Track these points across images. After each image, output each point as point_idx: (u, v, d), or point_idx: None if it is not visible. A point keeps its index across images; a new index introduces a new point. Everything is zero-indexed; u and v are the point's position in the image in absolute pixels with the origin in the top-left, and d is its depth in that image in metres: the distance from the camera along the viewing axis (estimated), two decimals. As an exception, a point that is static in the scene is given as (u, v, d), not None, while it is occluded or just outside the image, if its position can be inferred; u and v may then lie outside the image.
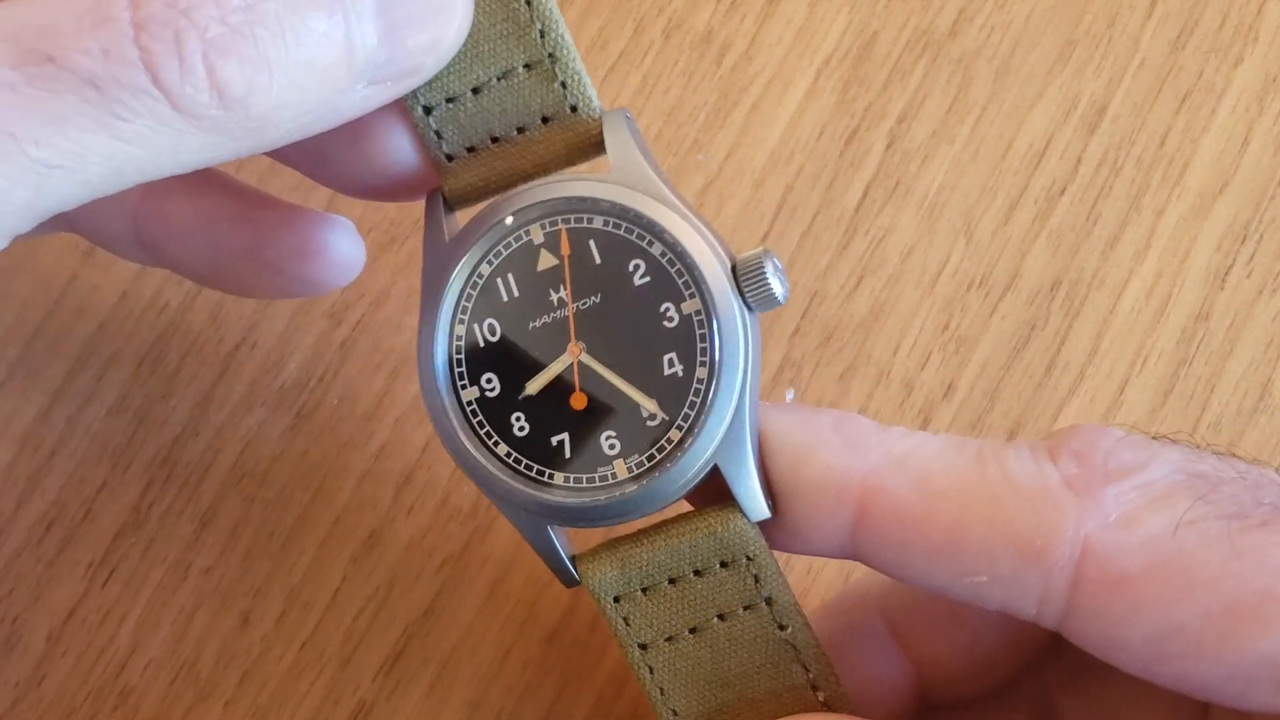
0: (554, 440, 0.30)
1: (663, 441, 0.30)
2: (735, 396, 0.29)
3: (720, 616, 0.31)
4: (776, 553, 0.31)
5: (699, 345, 0.30)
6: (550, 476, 0.30)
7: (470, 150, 0.31)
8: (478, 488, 0.31)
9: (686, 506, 0.31)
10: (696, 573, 0.30)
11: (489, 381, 0.30)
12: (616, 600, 0.31)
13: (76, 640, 0.39)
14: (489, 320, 0.30)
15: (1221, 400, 0.40)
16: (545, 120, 0.30)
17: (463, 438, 0.30)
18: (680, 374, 0.30)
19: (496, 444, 0.30)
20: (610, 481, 0.30)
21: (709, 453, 0.30)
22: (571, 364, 0.30)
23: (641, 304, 0.30)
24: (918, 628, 0.33)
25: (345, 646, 0.39)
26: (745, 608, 0.30)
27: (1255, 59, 0.42)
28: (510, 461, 0.30)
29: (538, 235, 0.30)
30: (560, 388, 0.30)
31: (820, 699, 0.31)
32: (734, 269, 0.30)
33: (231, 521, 0.39)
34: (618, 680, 0.38)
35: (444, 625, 0.39)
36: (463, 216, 0.32)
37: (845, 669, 0.31)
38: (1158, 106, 0.41)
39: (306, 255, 0.33)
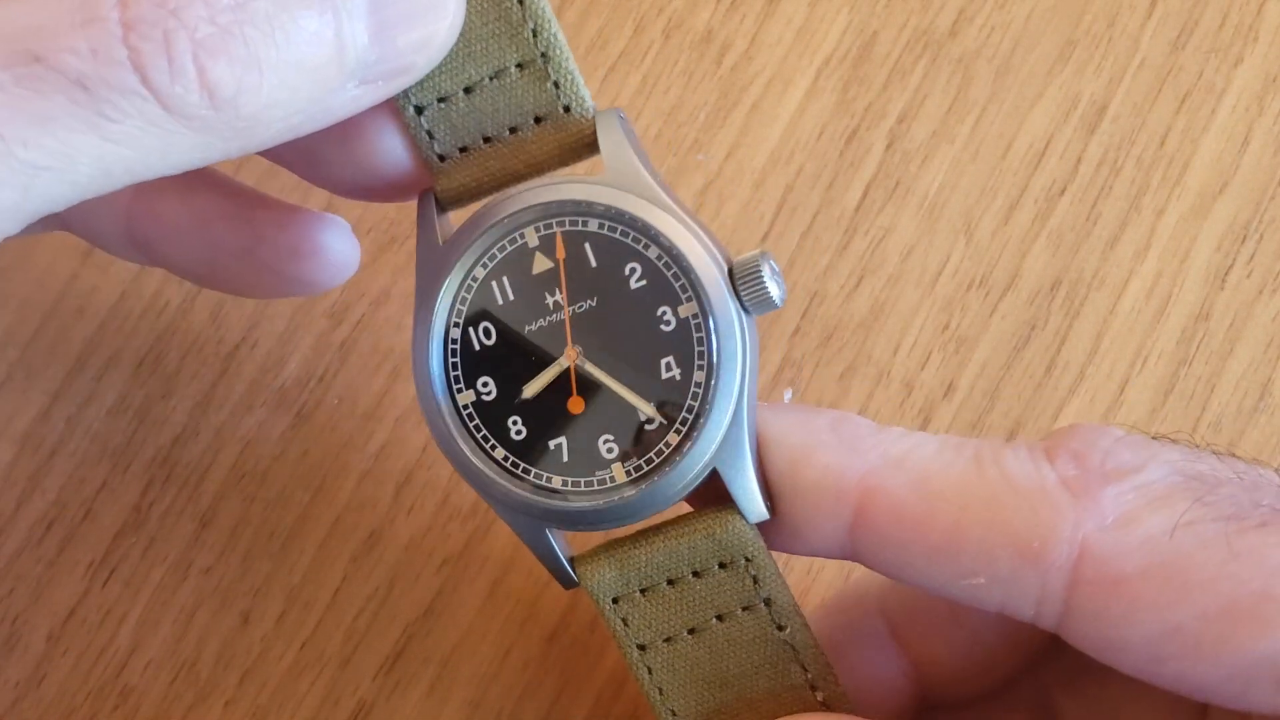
0: (551, 444, 0.30)
1: (660, 445, 0.30)
2: (733, 400, 0.29)
3: (719, 617, 0.31)
4: (775, 553, 0.31)
5: (696, 349, 0.30)
6: (548, 480, 0.30)
7: (462, 150, 0.31)
8: (476, 493, 0.31)
9: (685, 507, 0.31)
10: (695, 574, 0.30)
11: (485, 385, 0.30)
12: (615, 601, 0.31)
13: (77, 640, 0.39)
14: (484, 324, 0.30)
15: (1221, 400, 0.40)
16: (538, 120, 0.30)
17: (459, 441, 0.30)
18: (678, 377, 0.30)
19: (494, 448, 0.30)
20: (609, 485, 0.30)
21: (708, 456, 0.29)
22: (568, 368, 0.30)
23: (638, 307, 0.30)
24: (917, 627, 0.33)
25: (345, 646, 0.39)
26: (744, 608, 0.30)
27: (1255, 59, 0.42)
28: (508, 465, 0.30)
29: (532, 238, 0.30)
30: (557, 391, 0.30)
31: (819, 699, 0.31)
32: (730, 272, 0.30)
33: (231, 521, 0.39)
34: (617, 680, 0.38)
35: (444, 625, 0.39)
36: (455, 217, 0.32)
37: (844, 669, 0.31)
38: (1158, 106, 0.41)
39: (301, 255, 0.33)
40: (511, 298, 0.30)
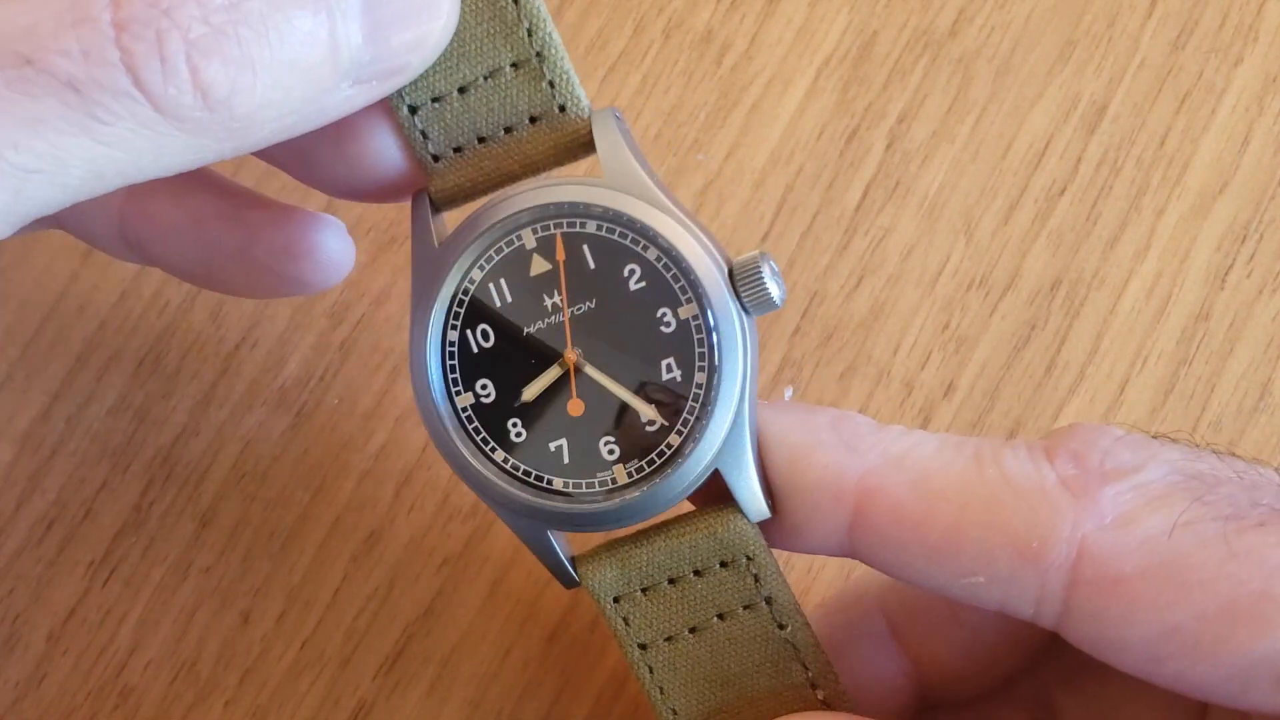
0: (552, 446, 0.30)
1: (662, 447, 0.30)
2: (735, 400, 0.29)
3: (720, 616, 0.31)
4: (775, 551, 0.31)
5: (697, 350, 0.30)
6: (549, 482, 0.30)
7: (457, 151, 0.30)
8: (476, 495, 0.31)
9: (685, 505, 0.31)
10: (696, 573, 0.30)
11: (484, 388, 0.30)
12: (616, 601, 0.31)
13: (77, 640, 0.39)
14: (483, 326, 0.30)
15: (1221, 400, 0.40)
16: (533, 120, 0.30)
17: (458, 444, 0.30)
18: (679, 379, 0.30)
19: (493, 450, 0.30)
20: (610, 487, 0.30)
21: (709, 457, 0.29)
22: (568, 370, 0.30)
23: (638, 309, 0.30)
24: (917, 626, 0.33)
25: (345, 646, 0.39)
26: (745, 607, 0.30)
27: (1255, 59, 0.42)
28: (508, 468, 0.30)
29: (530, 240, 0.30)
30: (557, 394, 0.30)
31: (819, 697, 0.31)
32: (730, 272, 0.30)
33: (232, 521, 0.39)
34: (618, 680, 0.38)
35: (444, 625, 0.39)
36: (450, 218, 0.32)
37: (845, 668, 0.31)
38: (1158, 106, 0.41)
39: (295, 255, 0.33)
40: (510, 300, 0.30)
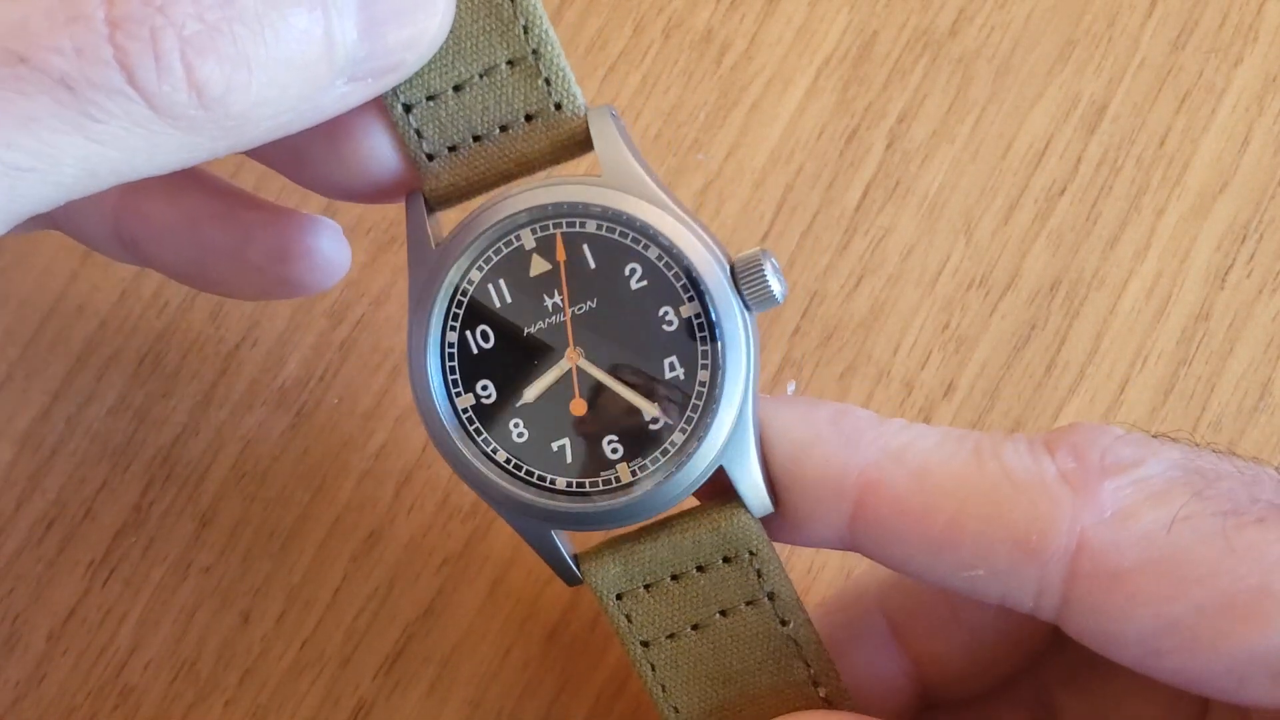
0: (554, 446, 0.30)
1: (666, 444, 0.30)
2: (739, 397, 0.29)
3: (722, 612, 0.31)
4: (776, 546, 0.31)
5: (700, 348, 0.30)
6: (552, 482, 0.30)
7: (451, 149, 0.30)
8: (476, 494, 0.31)
9: (688, 501, 0.31)
10: (699, 568, 0.30)
11: (485, 389, 0.30)
12: (619, 598, 0.31)
13: (77, 639, 0.39)
14: (482, 326, 0.30)
15: (1221, 400, 0.40)
16: (529, 118, 0.30)
17: (460, 445, 0.30)
18: (682, 377, 0.30)
19: (495, 451, 0.30)
20: (614, 485, 0.30)
21: (714, 454, 0.29)
22: (570, 369, 0.30)
23: (639, 308, 0.30)
24: (918, 626, 0.33)
25: (345, 646, 0.39)
26: (748, 603, 0.30)
27: (1255, 59, 0.42)
28: (510, 468, 0.30)
29: (529, 240, 0.30)
30: (559, 393, 0.30)
31: (821, 695, 0.31)
32: (732, 269, 0.30)
33: (231, 521, 0.39)
34: (618, 679, 0.38)
35: (444, 624, 0.39)
36: (445, 218, 0.32)
37: (845, 667, 0.31)
38: (1158, 106, 0.41)
39: (290, 257, 0.33)
40: (509, 300, 0.30)
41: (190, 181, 0.33)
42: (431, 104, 0.30)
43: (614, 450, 0.30)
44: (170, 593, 0.39)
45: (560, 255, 0.30)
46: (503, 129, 0.30)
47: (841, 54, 0.42)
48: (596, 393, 0.30)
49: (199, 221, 0.33)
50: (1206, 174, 0.41)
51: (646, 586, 0.31)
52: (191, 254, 0.33)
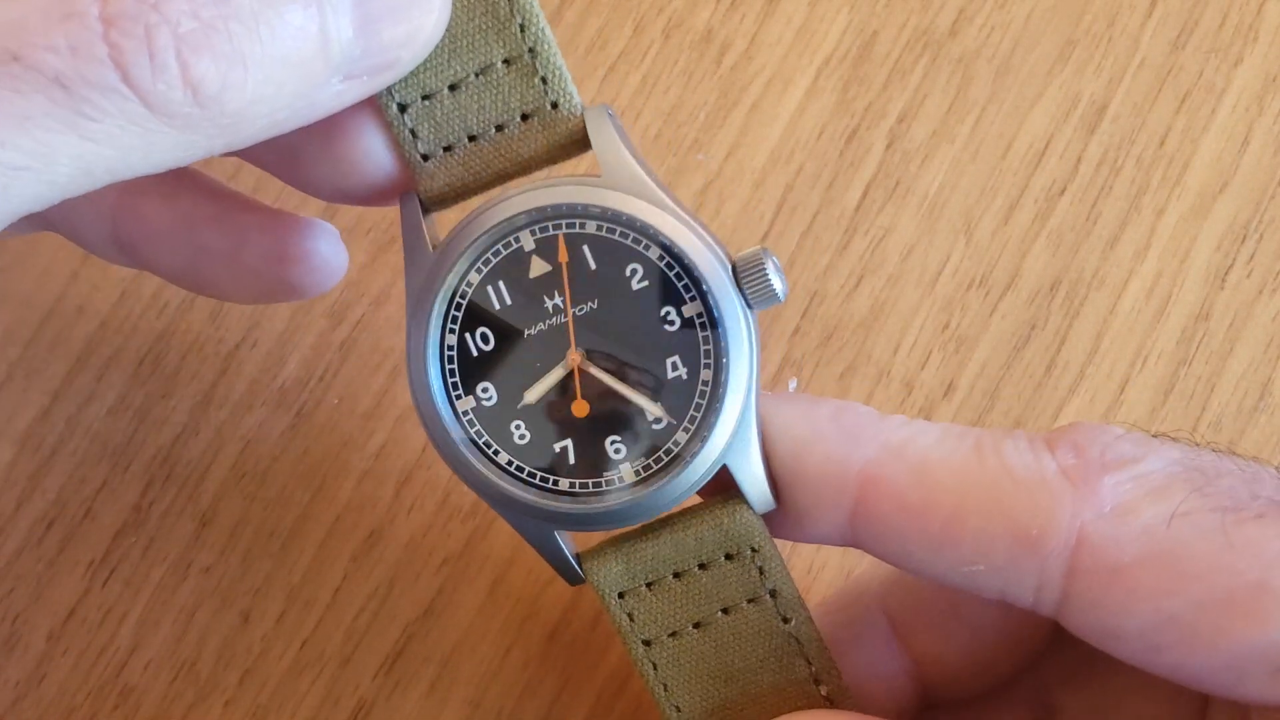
0: (557, 447, 0.30)
1: (669, 444, 0.30)
2: (741, 396, 0.29)
3: (724, 610, 0.30)
4: (776, 544, 0.31)
5: (702, 348, 0.29)
6: (555, 483, 0.30)
7: (447, 150, 0.30)
8: (478, 496, 0.31)
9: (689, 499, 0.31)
10: (701, 566, 0.30)
11: (485, 391, 0.30)
12: (621, 596, 0.31)
13: (77, 639, 0.39)
14: (482, 329, 0.30)
15: (1221, 400, 0.40)
16: (525, 117, 0.30)
17: (461, 448, 0.30)
18: (684, 377, 0.30)
19: (496, 453, 0.30)
20: (618, 486, 0.30)
21: (718, 453, 0.29)
22: (572, 371, 0.30)
23: (641, 308, 0.30)
24: (918, 624, 0.33)
25: (345, 645, 0.39)
26: (749, 600, 0.30)
27: (1255, 59, 0.42)
28: (512, 470, 0.30)
29: (528, 241, 0.30)
30: (561, 395, 0.30)
31: (823, 693, 0.31)
32: (734, 268, 0.30)
33: (231, 521, 0.39)
34: (619, 678, 0.38)
35: (444, 624, 0.39)
36: (441, 219, 0.31)
37: (846, 666, 0.31)
38: (1158, 106, 0.41)
39: (287, 259, 0.32)
40: (509, 302, 0.30)
41: (187, 184, 0.33)
42: (427, 103, 0.30)
43: (617, 451, 0.30)
44: (170, 593, 0.39)
45: (562, 256, 0.30)
46: (499, 128, 0.30)
47: (841, 54, 0.42)
48: (599, 393, 0.30)
49: (196, 224, 0.32)
50: (1206, 174, 0.41)
51: (649, 585, 0.30)
52: (188, 256, 0.33)
